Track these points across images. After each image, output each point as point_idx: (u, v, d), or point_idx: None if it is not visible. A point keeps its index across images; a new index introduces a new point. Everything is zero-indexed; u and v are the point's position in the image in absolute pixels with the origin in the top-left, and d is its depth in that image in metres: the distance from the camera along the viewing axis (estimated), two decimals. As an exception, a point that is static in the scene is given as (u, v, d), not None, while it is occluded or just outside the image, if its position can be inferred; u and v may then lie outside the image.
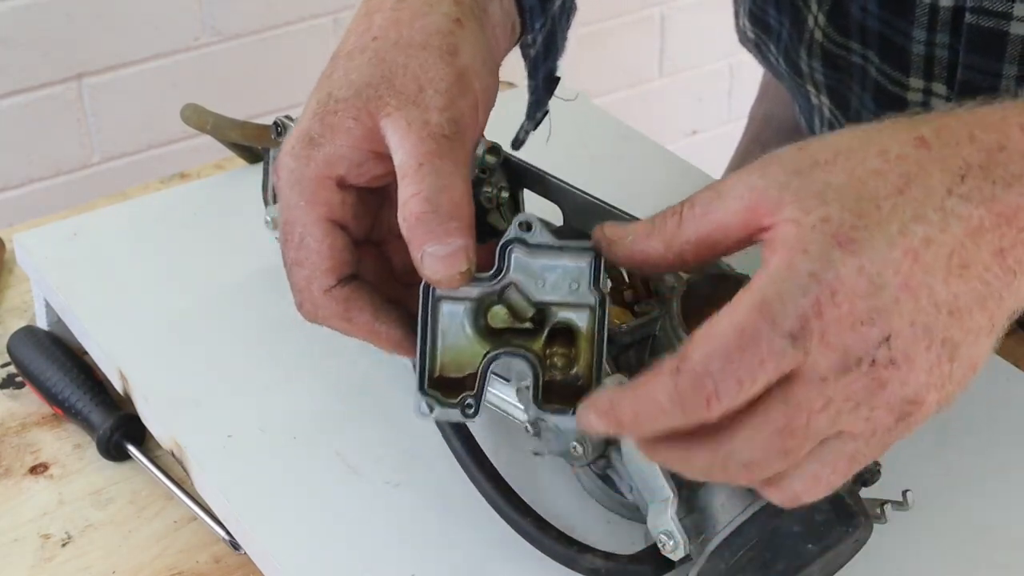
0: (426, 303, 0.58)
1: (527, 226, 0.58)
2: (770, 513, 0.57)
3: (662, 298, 0.62)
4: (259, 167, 0.91)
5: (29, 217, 1.06)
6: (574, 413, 0.54)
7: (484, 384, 0.58)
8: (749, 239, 0.53)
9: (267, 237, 0.82)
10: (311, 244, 0.61)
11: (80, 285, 0.84)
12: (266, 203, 0.84)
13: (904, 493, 0.60)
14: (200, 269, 0.85)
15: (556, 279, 0.58)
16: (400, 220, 0.58)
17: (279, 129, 0.76)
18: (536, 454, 0.70)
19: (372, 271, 0.63)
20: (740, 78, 2.47)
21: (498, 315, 0.59)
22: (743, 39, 0.99)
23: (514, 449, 0.70)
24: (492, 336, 0.59)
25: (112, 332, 0.80)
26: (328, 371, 0.77)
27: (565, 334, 0.58)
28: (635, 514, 0.64)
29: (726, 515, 0.58)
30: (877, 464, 0.59)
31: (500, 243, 0.58)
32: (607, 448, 0.62)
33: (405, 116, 0.60)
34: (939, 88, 0.79)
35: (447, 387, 0.59)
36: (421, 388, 0.58)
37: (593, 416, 0.52)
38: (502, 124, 0.82)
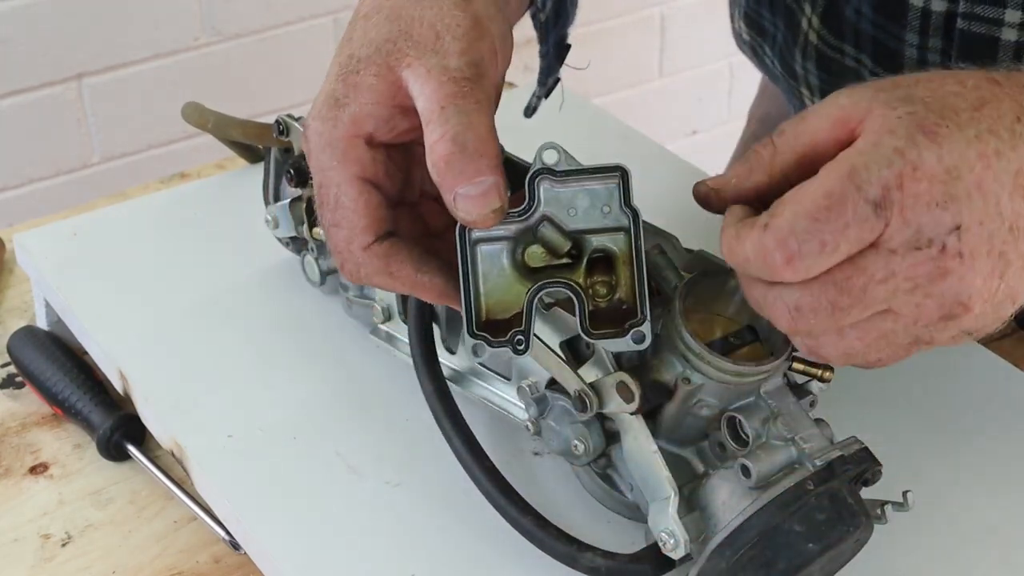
0: (464, 247, 0.58)
1: (552, 155, 0.58)
2: (771, 512, 0.57)
3: (664, 296, 0.62)
4: (259, 167, 0.91)
5: (29, 217, 1.06)
6: (624, 336, 0.56)
7: (532, 319, 0.58)
8: (844, 147, 0.55)
9: (267, 237, 0.82)
10: (347, 203, 0.61)
11: (80, 285, 0.84)
12: (266, 203, 0.84)
13: (904, 493, 0.60)
14: (200, 269, 0.85)
15: (587, 205, 0.58)
16: (430, 166, 0.58)
17: (281, 128, 0.76)
18: (536, 454, 0.70)
19: (408, 232, 0.64)
20: (740, 78, 2.47)
21: (535, 254, 0.59)
22: (739, 42, 0.99)
23: (513, 449, 0.70)
24: (532, 275, 0.59)
25: (112, 332, 0.80)
26: (328, 371, 0.77)
27: (604, 262, 0.59)
28: (635, 513, 0.64)
29: (727, 514, 0.58)
30: (878, 464, 0.59)
31: (528, 176, 0.58)
32: (608, 447, 0.62)
33: (424, 64, 0.60)
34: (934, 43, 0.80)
35: (495, 329, 0.59)
36: (470, 331, 0.58)
37: None
38: (502, 124, 0.82)
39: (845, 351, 0.55)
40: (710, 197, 0.59)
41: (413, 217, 0.65)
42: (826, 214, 0.52)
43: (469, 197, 0.57)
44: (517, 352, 0.58)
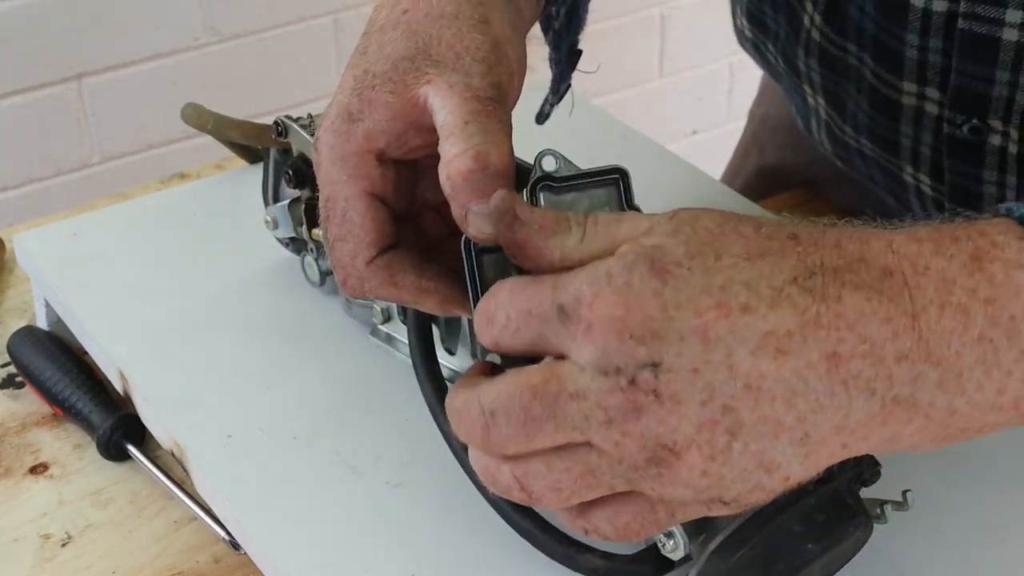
0: (470, 257, 0.58)
1: (551, 162, 0.58)
2: (771, 513, 0.57)
3: None
4: (259, 167, 0.91)
5: (29, 217, 1.06)
6: None
7: None
8: None
9: (267, 237, 0.82)
10: (354, 218, 0.61)
11: (80, 285, 0.84)
12: (266, 203, 0.84)
13: (904, 493, 0.60)
14: (200, 269, 0.85)
15: (586, 209, 0.58)
16: (443, 178, 0.58)
17: (279, 129, 0.76)
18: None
19: (408, 242, 0.64)
20: (740, 78, 2.47)
21: None
22: (741, 39, 0.99)
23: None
24: None
25: (112, 332, 0.80)
26: (328, 371, 0.77)
27: None
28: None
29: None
30: (877, 464, 0.59)
31: (529, 184, 0.58)
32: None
33: (447, 80, 0.60)
34: (932, 93, 0.79)
35: None
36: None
37: None
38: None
39: (555, 485, 0.52)
40: (497, 213, 0.55)
41: (413, 228, 0.65)
42: (520, 295, 0.52)
43: (482, 215, 0.57)
44: (531, 361, 0.58)
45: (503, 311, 0.53)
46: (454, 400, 0.55)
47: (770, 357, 0.49)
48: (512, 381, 0.52)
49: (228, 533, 0.72)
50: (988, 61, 0.74)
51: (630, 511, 0.53)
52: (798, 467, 0.51)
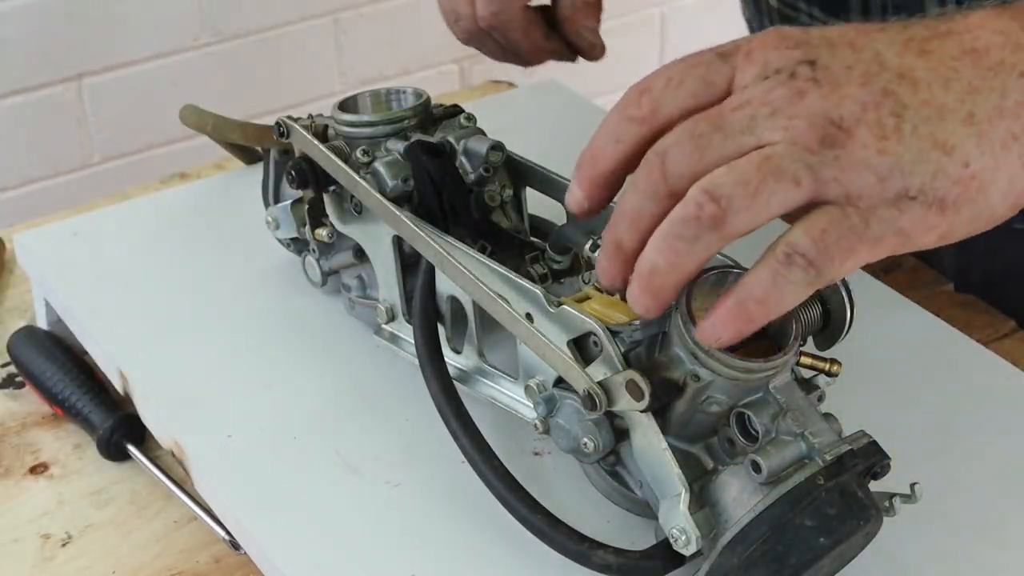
0: None
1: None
2: (782, 507, 0.57)
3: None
4: (259, 167, 0.91)
5: (29, 217, 1.06)
6: None
7: None
8: None
9: (267, 237, 0.82)
10: None
11: (80, 285, 0.84)
12: (266, 203, 0.84)
13: (912, 486, 0.60)
14: (200, 269, 0.85)
15: None
16: None
17: (281, 130, 0.76)
18: (536, 454, 0.70)
19: None
20: (740, 78, 2.47)
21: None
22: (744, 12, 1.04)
23: (512, 449, 0.70)
24: None
25: (112, 332, 0.80)
26: (328, 371, 0.77)
27: None
28: (645, 510, 0.64)
29: (738, 510, 0.58)
30: (886, 457, 0.59)
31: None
32: (617, 444, 0.62)
33: None
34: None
35: None
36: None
37: None
38: (503, 124, 0.82)
39: (741, 179, 0.52)
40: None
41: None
42: (678, 63, 0.56)
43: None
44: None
45: (662, 75, 0.55)
46: (613, 132, 0.57)
47: (915, 55, 0.53)
48: (681, 129, 0.54)
49: (228, 533, 0.72)
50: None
51: (823, 218, 0.52)
52: (974, 149, 0.52)
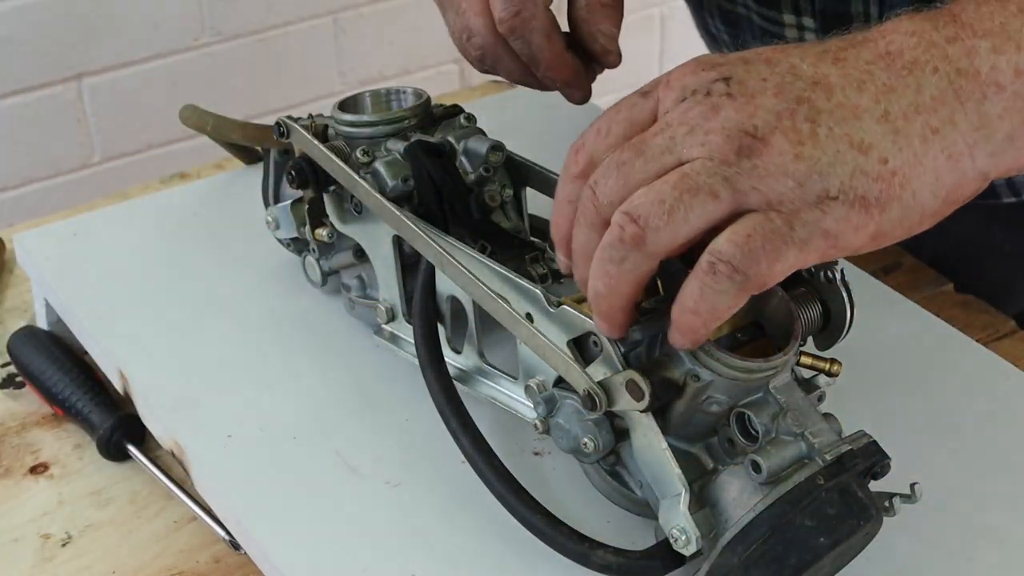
0: None
1: None
2: (782, 507, 0.57)
3: (670, 294, 0.62)
4: (259, 167, 0.91)
5: (29, 217, 1.06)
6: None
7: None
8: None
9: (267, 237, 0.82)
10: None
11: (80, 285, 0.84)
12: (266, 203, 0.84)
13: (912, 486, 0.60)
14: (200, 269, 0.85)
15: None
16: None
17: (281, 130, 0.76)
18: (535, 454, 0.70)
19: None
20: (740, 78, 2.47)
21: None
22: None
23: (512, 449, 0.70)
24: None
25: (112, 332, 0.80)
26: (328, 371, 0.77)
27: None
28: (645, 510, 0.64)
29: (738, 510, 0.58)
30: (886, 457, 0.59)
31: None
32: (617, 444, 0.62)
33: None
34: (808, 22, 0.85)
35: None
36: None
37: None
38: (503, 124, 0.82)
39: (657, 197, 0.53)
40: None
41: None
42: (606, 113, 0.58)
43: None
44: None
45: (593, 127, 0.58)
46: (564, 196, 0.59)
47: (829, 63, 0.54)
48: (611, 158, 0.56)
49: (228, 533, 0.72)
50: None
51: (747, 224, 0.53)
52: (891, 145, 0.53)
